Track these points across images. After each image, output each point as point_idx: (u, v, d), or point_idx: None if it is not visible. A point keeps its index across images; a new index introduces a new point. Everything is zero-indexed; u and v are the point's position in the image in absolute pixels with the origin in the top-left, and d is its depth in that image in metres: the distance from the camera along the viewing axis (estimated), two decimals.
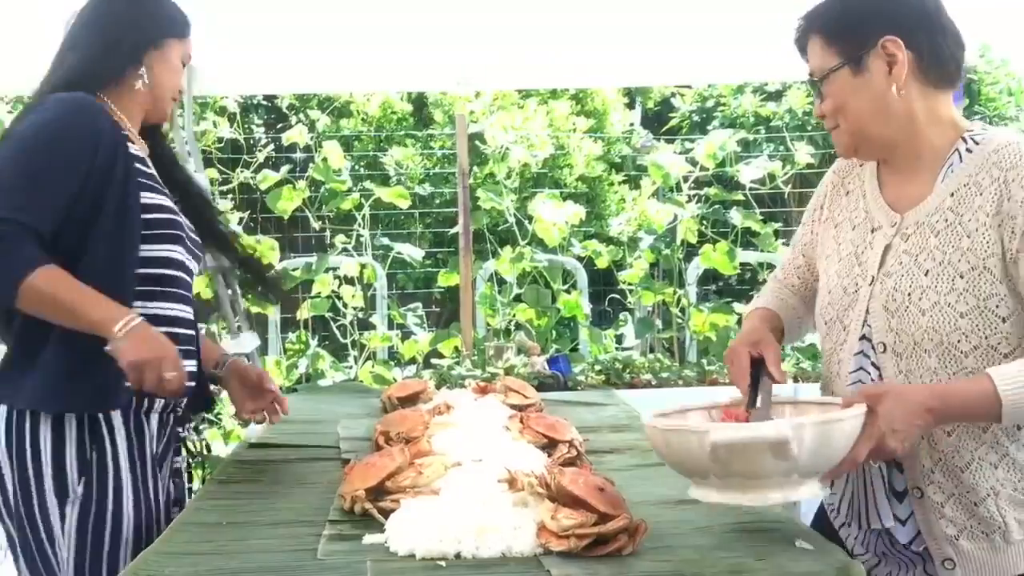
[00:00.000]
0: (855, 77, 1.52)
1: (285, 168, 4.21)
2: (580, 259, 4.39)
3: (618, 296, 4.48)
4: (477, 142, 4.46)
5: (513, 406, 2.26)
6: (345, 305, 4.08)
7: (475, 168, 5.32)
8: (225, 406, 3.47)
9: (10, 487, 1.71)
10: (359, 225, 4.16)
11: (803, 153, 4.55)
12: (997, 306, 1.44)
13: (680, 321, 4.29)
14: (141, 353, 1.62)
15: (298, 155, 5.61)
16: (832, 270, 1.64)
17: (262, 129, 7.20)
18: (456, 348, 3.92)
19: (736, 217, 4.12)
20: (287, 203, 4.01)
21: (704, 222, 4.22)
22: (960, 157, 1.51)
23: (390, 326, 4.21)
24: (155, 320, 1.74)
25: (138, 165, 1.80)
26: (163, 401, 1.81)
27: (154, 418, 1.82)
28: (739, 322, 3.77)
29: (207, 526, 1.51)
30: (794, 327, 1.81)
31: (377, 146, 7.42)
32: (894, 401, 1.38)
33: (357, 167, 6.70)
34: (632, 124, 8.08)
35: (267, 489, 1.75)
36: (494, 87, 5.43)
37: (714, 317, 4.13)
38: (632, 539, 1.34)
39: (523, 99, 6.55)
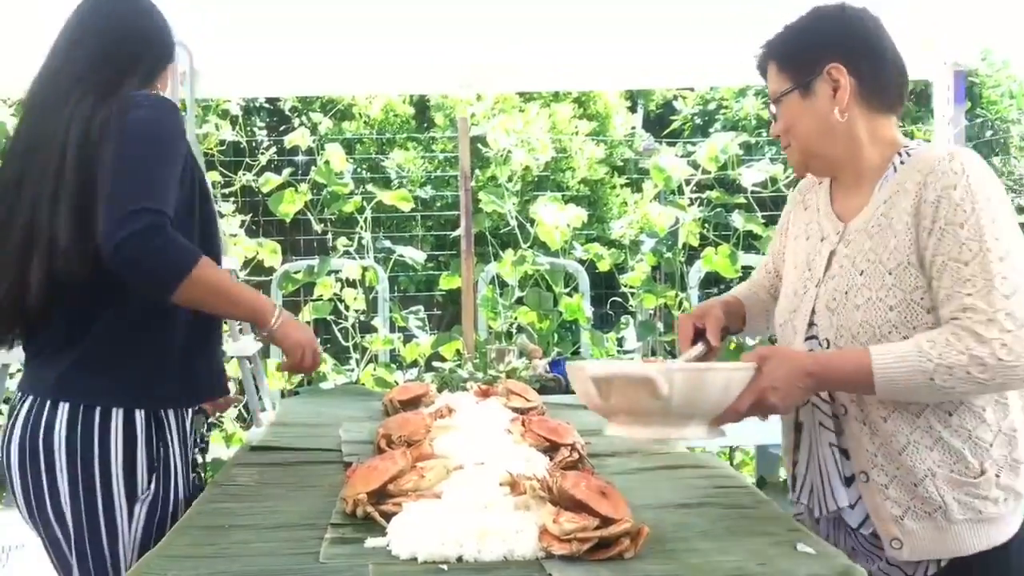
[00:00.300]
0: (803, 100, 1.66)
1: (287, 171, 4.20)
2: (582, 262, 4.38)
3: (620, 299, 4.47)
4: (479, 145, 4.46)
5: (515, 409, 2.27)
6: (347, 308, 4.07)
7: (477, 171, 5.32)
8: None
9: (66, 488, 1.71)
10: (361, 228, 4.16)
11: None
12: (921, 298, 1.55)
13: None
14: (300, 336, 1.83)
15: (300, 158, 5.62)
16: (789, 277, 1.81)
17: (264, 132, 7.22)
18: (458, 351, 3.91)
19: (738, 220, 4.10)
20: (289, 206, 4.00)
21: (706, 225, 4.20)
22: (895, 169, 1.64)
23: (392, 329, 4.20)
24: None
25: None
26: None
27: (189, 415, 1.90)
28: None
29: (209, 529, 1.52)
30: (760, 319, 1.98)
31: (379, 149, 7.44)
32: (778, 362, 1.54)
33: (359, 170, 6.71)
34: (634, 127, 8.10)
35: (269, 492, 1.75)
36: (496, 90, 5.43)
37: None
38: (634, 543, 1.35)
39: (525, 102, 6.56)
